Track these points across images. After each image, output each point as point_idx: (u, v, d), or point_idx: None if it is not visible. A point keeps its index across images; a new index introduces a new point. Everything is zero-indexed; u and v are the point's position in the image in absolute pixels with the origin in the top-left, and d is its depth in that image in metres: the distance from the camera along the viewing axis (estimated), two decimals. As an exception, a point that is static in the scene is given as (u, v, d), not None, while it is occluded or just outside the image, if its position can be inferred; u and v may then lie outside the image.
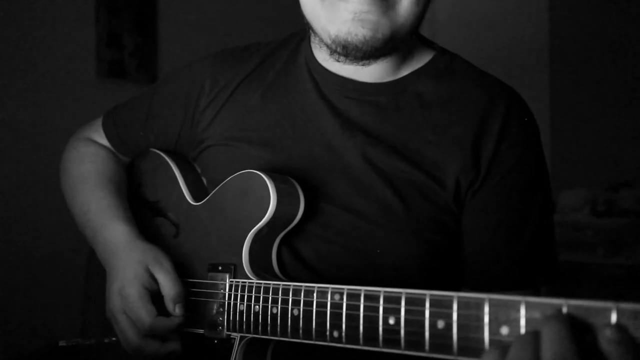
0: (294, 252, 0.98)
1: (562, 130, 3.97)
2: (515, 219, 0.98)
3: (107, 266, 1.04)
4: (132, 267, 0.98)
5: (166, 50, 2.94)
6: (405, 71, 1.03)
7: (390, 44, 0.95)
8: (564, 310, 0.60)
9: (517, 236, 0.98)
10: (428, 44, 1.07)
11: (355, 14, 0.90)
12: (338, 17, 0.92)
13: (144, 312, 0.94)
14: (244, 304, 0.91)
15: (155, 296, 0.97)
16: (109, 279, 1.01)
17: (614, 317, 0.58)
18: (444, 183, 0.96)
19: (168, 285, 0.97)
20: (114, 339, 1.05)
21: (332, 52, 0.96)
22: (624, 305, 0.58)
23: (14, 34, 2.29)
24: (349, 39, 0.91)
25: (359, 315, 0.76)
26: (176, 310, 0.96)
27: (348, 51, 0.93)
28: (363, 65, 0.99)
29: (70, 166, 1.21)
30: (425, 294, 0.70)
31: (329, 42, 0.95)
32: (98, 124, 1.23)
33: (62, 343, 1.09)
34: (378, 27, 0.91)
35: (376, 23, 0.91)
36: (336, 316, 0.79)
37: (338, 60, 0.98)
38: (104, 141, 1.22)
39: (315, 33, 0.99)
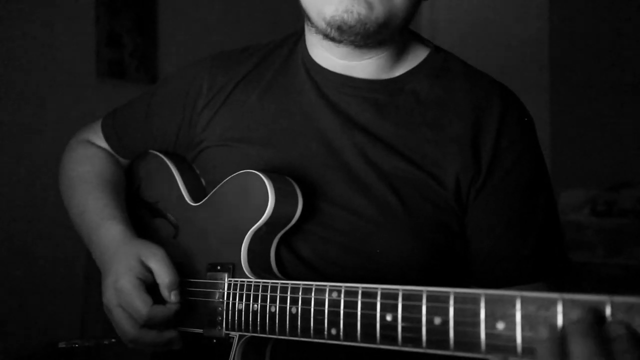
0: (292, 252, 0.98)
1: (562, 130, 3.97)
2: (523, 215, 0.99)
3: (101, 265, 1.04)
4: (125, 261, 0.98)
5: (166, 50, 2.94)
6: (400, 69, 1.04)
7: (384, 32, 0.96)
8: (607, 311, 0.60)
9: (527, 232, 0.98)
10: (422, 42, 1.08)
11: None
12: None
13: (139, 302, 0.94)
14: (242, 303, 0.91)
15: (150, 287, 0.97)
16: (103, 276, 1.01)
17: (608, 311, 0.59)
18: (443, 181, 0.97)
19: (162, 274, 0.96)
20: (113, 340, 1.06)
21: (326, 37, 0.97)
22: (618, 298, 0.59)
23: (14, 34, 2.29)
24: (345, 17, 0.92)
25: (356, 312, 0.77)
26: (172, 297, 0.96)
27: (342, 32, 0.94)
28: (359, 53, 0.99)
29: (68, 167, 1.21)
30: (422, 290, 0.71)
31: (323, 26, 0.95)
32: (97, 126, 1.24)
33: (61, 344, 1.09)
34: (373, 8, 0.92)
35: (371, 3, 0.92)
36: (334, 314, 0.79)
37: (334, 42, 0.97)
38: (103, 143, 1.23)
39: (310, 22, 0.99)
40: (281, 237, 0.98)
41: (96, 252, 1.07)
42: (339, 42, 0.97)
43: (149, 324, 0.94)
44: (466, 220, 0.99)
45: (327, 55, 1.03)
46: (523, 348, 0.63)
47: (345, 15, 0.92)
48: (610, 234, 3.23)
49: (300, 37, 1.11)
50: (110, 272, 0.99)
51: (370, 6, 0.92)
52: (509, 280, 0.98)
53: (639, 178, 3.47)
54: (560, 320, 0.61)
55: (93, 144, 1.24)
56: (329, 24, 0.94)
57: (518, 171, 0.98)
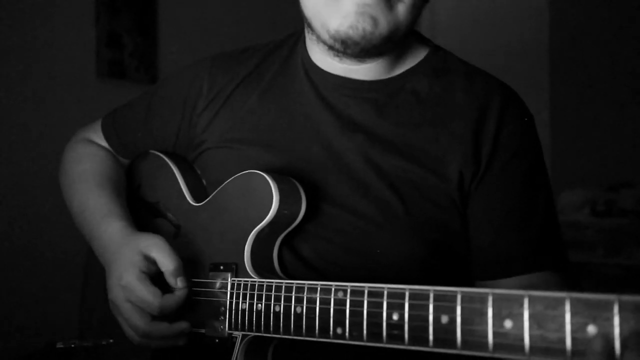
0: (294, 252, 0.98)
1: (562, 130, 3.97)
2: (524, 204, 0.99)
3: (104, 262, 1.04)
4: (127, 256, 0.97)
5: (166, 50, 2.94)
6: (400, 69, 1.04)
7: (387, 45, 0.96)
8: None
9: (527, 221, 0.99)
10: (421, 41, 1.08)
11: (358, 6, 0.92)
12: (340, 10, 0.93)
13: (148, 294, 0.93)
14: (246, 303, 0.91)
15: (155, 278, 0.96)
16: (107, 274, 1.01)
17: (616, 310, 0.59)
18: (446, 176, 0.97)
19: (165, 261, 0.96)
20: (111, 340, 1.05)
21: (330, 48, 0.97)
22: (626, 298, 0.59)
23: (14, 34, 2.29)
24: (350, 33, 0.93)
25: (362, 311, 0.77)
26: (178, 283, 0.96)
27: (347, 46, 0.95)
28: (360, 61, 1.00)
29: (69, 166, 1.21)
30: (429, 290, 0.71)
31: (326, 38, 0.96)
32: (97, 125, 1.24)
33: (59, 345, 1.08)
34: (377, 24, 0.93)
35: (376, 19, 0.93)
36: (340, 313, 0.79)
37: (337, 55, 0.99)
38: (103, 142, 1.23)
39: (313, 30, 1.00)
40: (282, 237, 0.98)
41: (98, 249, 1.06)
42: (343, 53, 0.97)
43: (162, 314, 0.94)
44: (467, 213, 0.99)
45: (327, 58, 1.03)
46: (531, 347, 0.63)
47: (351, 31, 0.93)
48: (610, 234, 3.23)
49: (299, 37, 1.11)
50: (114, 270, 0.98)
51: (375, 22, 0.92)
52: (510, 270, 0.98)
53: (639, 178, 3.47)
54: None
55: (93, 142, 1.24)
56: (333, 37, 0.95)
57: (517, 163, 0.99)
